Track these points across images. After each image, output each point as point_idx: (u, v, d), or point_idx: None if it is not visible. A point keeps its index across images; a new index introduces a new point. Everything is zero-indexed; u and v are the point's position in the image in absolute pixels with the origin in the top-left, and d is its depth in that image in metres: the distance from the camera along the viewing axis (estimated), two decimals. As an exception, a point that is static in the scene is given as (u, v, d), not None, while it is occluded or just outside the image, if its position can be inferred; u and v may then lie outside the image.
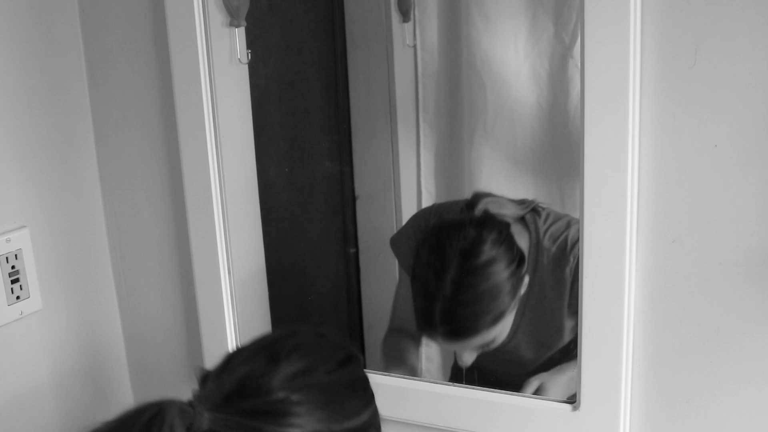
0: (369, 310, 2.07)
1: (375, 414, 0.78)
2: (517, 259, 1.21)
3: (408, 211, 1.93)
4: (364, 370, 0.82)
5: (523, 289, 1.22)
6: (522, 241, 1.24)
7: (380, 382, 1.03)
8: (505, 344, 1.24)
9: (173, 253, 1.27)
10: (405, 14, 1.86)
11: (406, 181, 1.93)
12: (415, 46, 1.90)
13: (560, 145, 1.55)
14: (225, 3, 1.22)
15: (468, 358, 1.25)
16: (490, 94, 1.69)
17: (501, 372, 1.29)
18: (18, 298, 1.16)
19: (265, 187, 1.36)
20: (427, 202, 1.94)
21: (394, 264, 1.94)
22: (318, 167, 1.83)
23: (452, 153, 1.65)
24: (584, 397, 0.99)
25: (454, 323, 1.20)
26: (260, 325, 1.29)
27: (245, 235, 1.25)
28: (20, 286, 1.16)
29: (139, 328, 1.35)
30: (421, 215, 1.52)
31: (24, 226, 1.17)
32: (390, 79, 1.85)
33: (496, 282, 1.19)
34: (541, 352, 1.27)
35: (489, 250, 1.19)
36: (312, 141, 1.82)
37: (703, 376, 0.96)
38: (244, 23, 1.25)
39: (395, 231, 1.92)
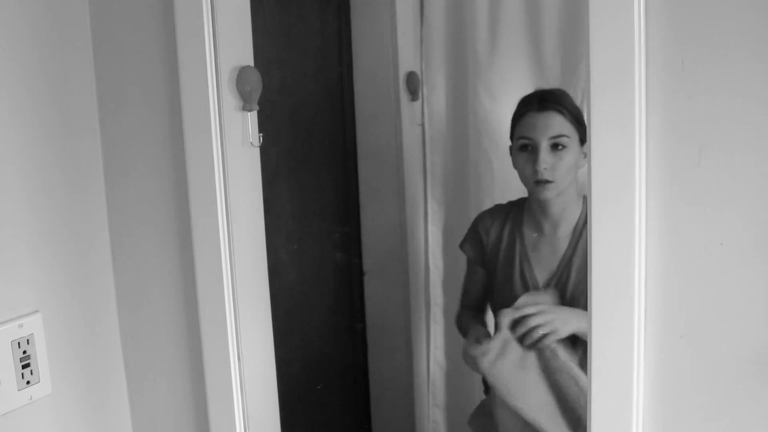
0: (376, 384, 2.06)
1: None
2: None
3: (416, 286, 1.94)
4: None
5: None
6: None
7: None
8: None
9: (183, 339, 1.27)
10: (413, 93, 1.89)
11: (414, 257, 1.94)
12: (423, 125, 1.93)
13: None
14: (238, 88, 1.24)
15: None
16: (497, 171, 1.71)
17: None
18: (28, 383, 1.15)
19: (274, 264, 1.36)
20: (435, 278, 1.95)
21: (402, 339, 1.94)
22: (326, 244, 1.85)
23: (460, 229, 1.67)
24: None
25: None
26: (269, 410, 1.29)
27: (254, 316, 1.26)
28: (31, 371, 1.16)
29: (148, 413, 1.35)
30: (484, 215, 1.66)
31: (37, 311, 1.17)
32: (398, 156, 1.87)
33: None
34: None
35: None
36: (320, 218, 1.83)
37: (713, 474, 0.95)
38: (257, 107, 1.27)
39: (402, 307, 1.92)
